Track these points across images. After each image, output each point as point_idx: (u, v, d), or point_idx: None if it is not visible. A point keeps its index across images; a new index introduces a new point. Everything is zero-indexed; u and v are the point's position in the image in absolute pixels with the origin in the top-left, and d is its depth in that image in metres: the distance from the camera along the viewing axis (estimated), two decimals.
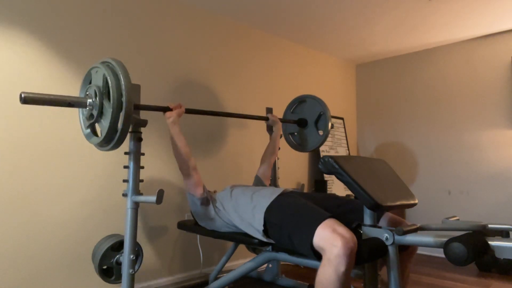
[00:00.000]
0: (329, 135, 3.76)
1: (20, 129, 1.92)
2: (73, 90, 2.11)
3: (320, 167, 1.44)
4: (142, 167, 1.73)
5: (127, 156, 1.71)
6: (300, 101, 2.67)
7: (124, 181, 1.70)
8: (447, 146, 3.51)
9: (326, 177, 3.55)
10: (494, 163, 3.23)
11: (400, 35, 3.34)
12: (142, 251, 1.83)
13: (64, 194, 2.05)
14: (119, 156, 1.86)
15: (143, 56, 2.44)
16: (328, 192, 3.51)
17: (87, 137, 1.61)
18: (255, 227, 1.67)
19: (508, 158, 3.16)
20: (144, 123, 1.74)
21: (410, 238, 1.28)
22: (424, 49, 3.71)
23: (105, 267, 1.76)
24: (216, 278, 2.23)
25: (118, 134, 1.45)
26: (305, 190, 3.49)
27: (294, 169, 3.44)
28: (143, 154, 1.73)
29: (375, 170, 1.54)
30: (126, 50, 2.35)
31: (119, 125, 1.43)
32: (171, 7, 2.61)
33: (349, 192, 3.61)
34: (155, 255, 2.39)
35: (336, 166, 1.39)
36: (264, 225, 1.64)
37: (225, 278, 1.89)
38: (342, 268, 1.25)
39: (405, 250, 1.55)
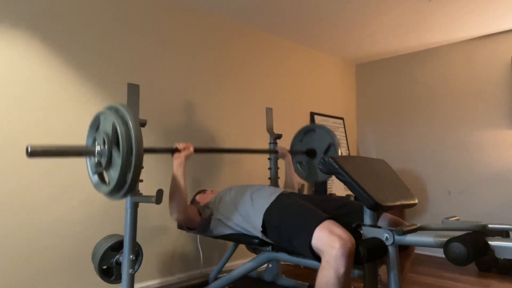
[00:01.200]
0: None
1: (20, 129, 1.92)
2: (73, 91, 2.11)
3: (320, 167, 1.44)
4: (142, 167, 1.72)
5: None
6: (308, 130, 2.61)
7: None
8: (447, 146, 3.51)
9: None
10: (494, 163, 3.23)
11: (400, 35, 3.34)
12: (142, 251, 1.83)
13: (64, 194, 2.05)
14: None
15: (143, 57, 2.43)
16: (328, 192, 3.50)
17: (96, 186, 1.56)
18: (256, 228, 1.67)
19: (508, 158, 3.16)
20: (143, 123, 1.74)
21: (410, 238, 1.28)
22: (424, 49, 3.71)
23: (105, 267, 1.76)
24: (216, 278, 2.23)
25: (127, 185, 1.40)
26: (305, 190, 3.48)
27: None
28: None
29: (375, 170, 1.54)
30: (125, 49, 2.35)
31: (129, 177, 1.39)
32: (171, 7, 2.61)
33: (349, 192, 3.60)
34: (155, 255, 2.39)
35: (336, 166, 1.39)
36: (264, 226, 1.64)
37: (225, 278, 1.89)
38: (341, 269, 1.25)
39: (403, 250, 1.55)
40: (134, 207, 1.69)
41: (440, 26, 3.11)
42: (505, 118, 3.20)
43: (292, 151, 2.54)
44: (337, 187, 3.63)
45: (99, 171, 1.51)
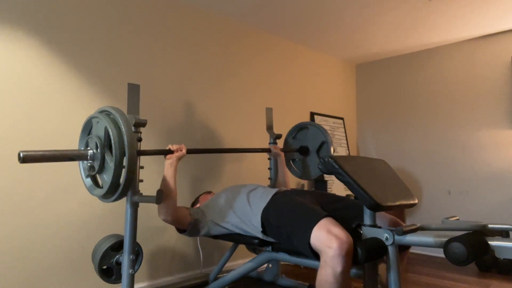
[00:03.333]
0: (329, 135, 3.76)
1: (20, 130, 1.92)
2: (73, 91, 2.11)
3: (320, 167, 1.44)
4: (142, 167, 1.73)
5: None
6: (302, 127, 2.62)
7: None
8: (447, 146, 3.51)
9: (326, 177, 3.55)
10: (494, 163, 3.23)
11: (400, 35, 3.34)
12: (142, 251, 1.83)
13: (64, 195, 2.05)
14: None
15: (143, 57, 2.43)
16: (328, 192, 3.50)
17: (90, 189, 1.57)
18: (255, 227, 1.67)
19: (508, 158, 3.16)
20: (143, 123, 1.74)
21: (410, 238, 1.28)
22: (424, 49, 3.71)
23: (105, 267, 1.76)
24: (216, 278, 2.23)
25: (121, 188, 1.42)
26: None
27: None
28: None
29: (375, 170, 1.54)
30: (126, 49, 2.35)
31: (122, 181, 1.40)
32: (172, 7, 2.61)
33: (349, 192, 3.60)
34: (155, 255, 2.39)
35: (336, 166, 1.39)
36: (263, 225, 1.64)
37: (225, 278, 1.89)
38: (338, 268, 1.26)
39: (402, 251, 1.55)
40: (134, 207, 1.69)
41: (440, 26, 3.11)
42: (505, 118, 3.20)
43: (285, 149, 2.55)
44: (337, 187, 3.63)
45: (92, 174, 1.51)
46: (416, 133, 3.74)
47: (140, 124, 1.74)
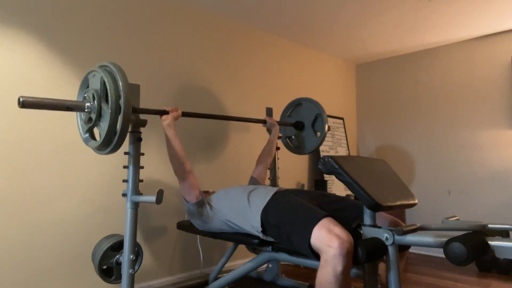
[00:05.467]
0: (329, 135, 3.76)
1: (20, 130, 1.93)
2: (74, 91, 2.11)
3: (320, 167, 1.44)
4: (142, 167, 1.73)
5: (127, 156, 1.71)
6: (296, 104, 2.67)
7: (124, 181, 1.70)
8: (447, 146, 3.51)
9: (326, 177, 3.55)
10: (494, 163, 3.23)
11: (400, 35, 3.34)
12: (142, 251, 1.83)
13: (64, 194, 2.05)
14: (119, 156, 1.87)
15: (144, 57, 2.43)
16: (328, 192, 3.50)
17: (85, 141, 1.62)
18: (254, 228, 1.67)
19: (508, 158, 3.16)
20: (143, 123, 1.75)
21: (410, 238, 1.28)
22: (424, 49, 3.71)
23: (105, 267, 1.76)
24: (216, 278, 2.23)
25: (117, 136, 1.45)
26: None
27: (294, 169, 3.44)
28: (142, 154, 1.73)
29: (375, 170, 1.54)
30: (126, 50, 2.35)
31: (118, 127, 1.44)
32: (171, 7, 2.61)
33: (349, 192, 3.60)
34: (155, 255, 2.39)
35: (336, 166, 1.39)
36: (262, 225, 1.64)
37: (225, 278, 1.89)
38: (339, 268, 1.26)
39: (402, 251, 1.55)
40: (134, 207, 1.69)
41: (440, 26, 3.11)
42: (505, 118, 3.20)
43: (280, 123, 2.58)
44: (337, 187, 3.63)
45: (90, 126, 1.56)
46: (416, 133, 3.74)
47: (140, 124, 1.74)
